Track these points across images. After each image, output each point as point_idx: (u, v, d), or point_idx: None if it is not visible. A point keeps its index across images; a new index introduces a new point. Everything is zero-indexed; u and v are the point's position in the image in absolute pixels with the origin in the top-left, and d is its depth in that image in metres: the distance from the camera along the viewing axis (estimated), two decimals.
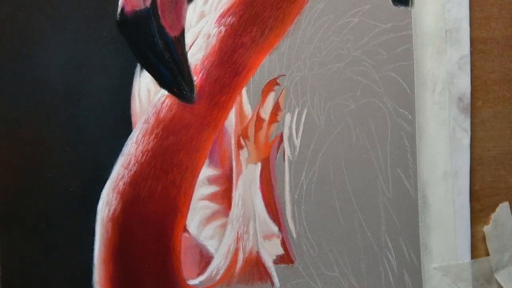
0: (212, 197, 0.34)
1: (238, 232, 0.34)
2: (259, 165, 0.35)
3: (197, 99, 0.33)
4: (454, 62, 0.39)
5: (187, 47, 0.33)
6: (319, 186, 0.36)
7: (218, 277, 0.34)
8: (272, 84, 0.35)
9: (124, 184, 0.32)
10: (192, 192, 0.33)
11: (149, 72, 0.32)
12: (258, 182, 0.35)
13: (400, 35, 0.37)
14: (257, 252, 0.35)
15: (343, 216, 0.37)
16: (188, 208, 0.33)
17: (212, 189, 0.34)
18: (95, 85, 0.31)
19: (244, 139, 0.35)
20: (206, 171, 0.34)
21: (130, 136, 0.32)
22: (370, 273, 0.37)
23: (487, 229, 0.40)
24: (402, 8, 0.37)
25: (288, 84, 0.35)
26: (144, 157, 0.32)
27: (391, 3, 0.37)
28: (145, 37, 0.32)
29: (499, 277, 0.40)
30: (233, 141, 0.34)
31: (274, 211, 0.35)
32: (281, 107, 0.35)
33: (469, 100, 0.39)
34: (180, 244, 0.33)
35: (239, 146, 0.34)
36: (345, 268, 0.37)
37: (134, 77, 0.32)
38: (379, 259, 0.37)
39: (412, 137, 0.37)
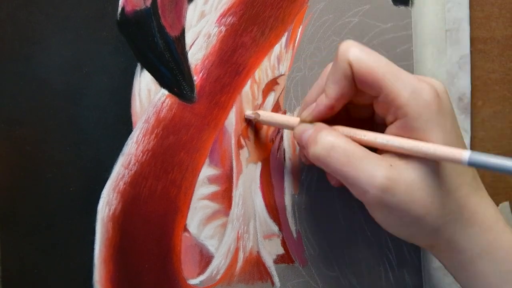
0: (212, 197, 0.34)
1: (238, 232, 0.34)
2: (259, 164, 0.35)
3: (198, 99, 0.33)
4: (454, 62, 0.39)
5: (187, 47, 0.33)
6: (319, 186, 0.36)
7: (218, 277, 0.34)
8: (272, 83, 0.35)
9: (124, 183, 0.32)
10: (193, 192, 0.33)
11: (150, 71, 0.32)
12: (258, 181, 0.35)
13: (400, 35, 0.37)
14: (257, 251, 0.35)
15: (343, 215, 0.37)
16: (189, 207, 0.33)
17: (213, 188, 0.34)
18: (95, 85, 0.31)
19: (244, 139, 0.35)
20: (207, 171, 0.34)
21: (130, 136, 0.32)
22: (371, 272, 0.37)
23: None
24: (402, 8, 0.37)
25: (288, 84, 0.35)
26: (145, 157, 0.32)
27: (391, 3, 0.37)
28: (145, 36, 0.32)
29: None
30: (233, 141, 0.34)
31: (274, 210, 0.35)
32: (281, 106, 0.35)
33: (469, 100, 0.39)
34: (181, 244, 0.33)
35: (240, 146, 0.34)
36: (345, 268, 0.37)
37: (135, 77, 0.32)
38: (379, 259, 0.37)
39: None
